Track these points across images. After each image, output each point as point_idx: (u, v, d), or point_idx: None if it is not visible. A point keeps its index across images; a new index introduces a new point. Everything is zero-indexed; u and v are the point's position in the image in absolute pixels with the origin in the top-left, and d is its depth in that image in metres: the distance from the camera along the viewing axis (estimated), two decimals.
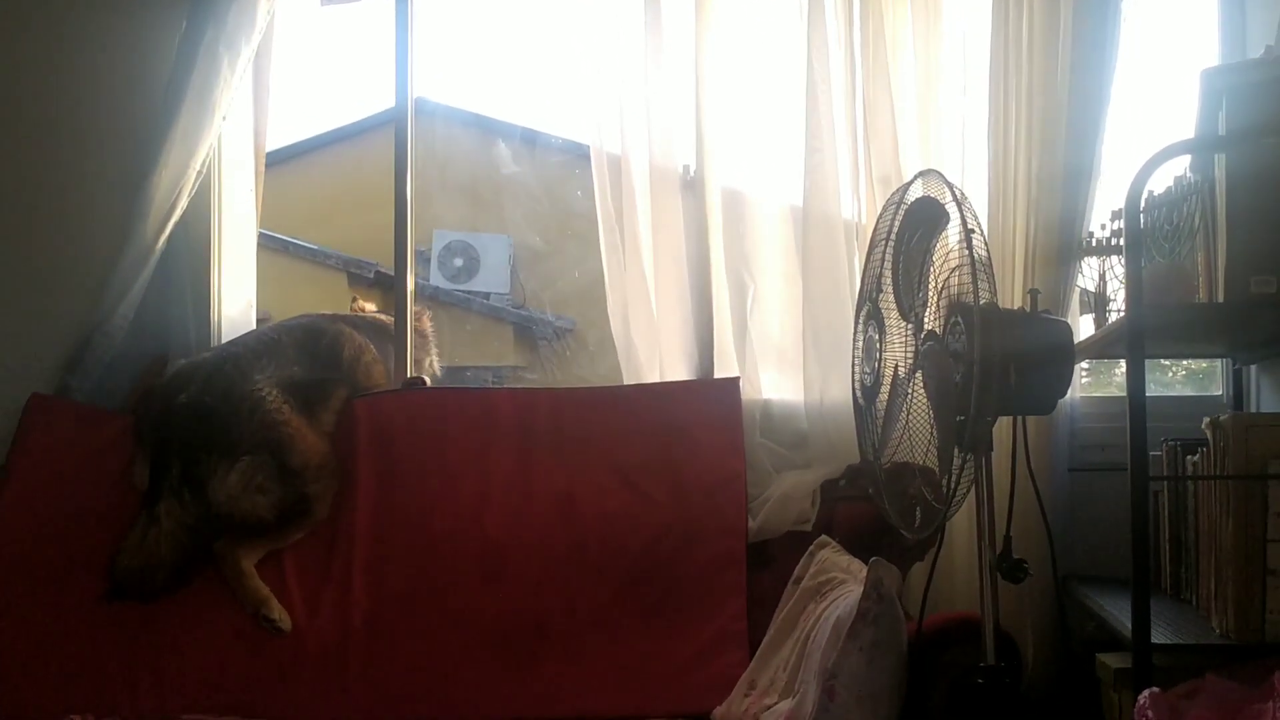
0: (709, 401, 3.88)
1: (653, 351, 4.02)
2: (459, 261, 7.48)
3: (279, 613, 3.61)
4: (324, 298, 7.06)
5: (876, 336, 2.86)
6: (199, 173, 4.03)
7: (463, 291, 7.46)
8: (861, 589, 2.93)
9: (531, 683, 3.59)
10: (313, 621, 3.68)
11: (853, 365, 3.04)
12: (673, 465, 3.80)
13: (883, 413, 2.89)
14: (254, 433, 3.71)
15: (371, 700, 3.58)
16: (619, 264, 4.03)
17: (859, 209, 3.85)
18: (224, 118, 4.06)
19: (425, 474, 3.83)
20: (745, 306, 3.97)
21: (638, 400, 3.92)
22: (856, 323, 3.01)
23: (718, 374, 3.99)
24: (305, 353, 3.94)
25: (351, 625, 3.67)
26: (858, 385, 3.00)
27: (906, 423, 2.81)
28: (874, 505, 3.26)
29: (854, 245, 3.85)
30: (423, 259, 6.85)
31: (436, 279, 7.33)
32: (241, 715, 3.50)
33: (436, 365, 4.39)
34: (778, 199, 3.96)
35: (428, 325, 4.39)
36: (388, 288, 7.14)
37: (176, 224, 4.04)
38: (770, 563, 3.71)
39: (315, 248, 7.71)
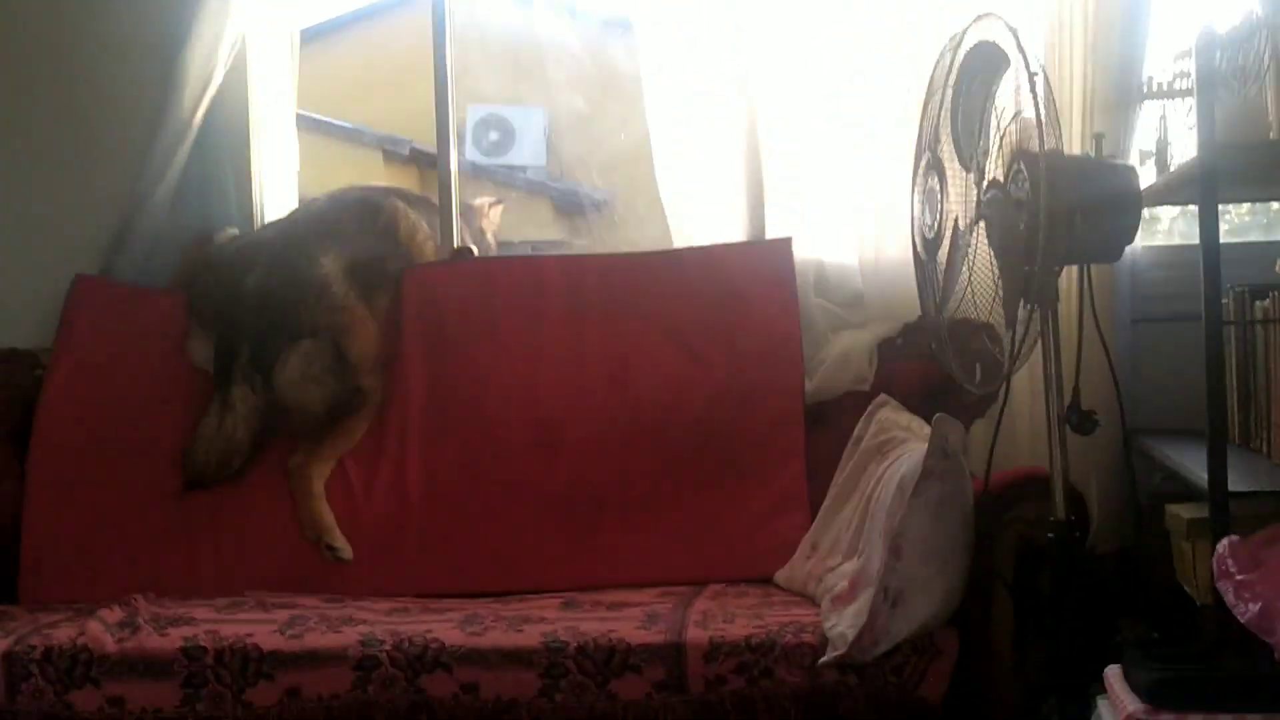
0: (762, 263, 3.81)
1: (702, 214, 3.94)
2: (494, 135, 7.43)
3: (341, 541, 3.59)
4: (359, 177, 6.79)
5: (938, 186, 2.78)
6: (233, 45, 3.95)
7: (499, 165, 7.41)
8: (926, 446, 2.89)
9: (590, 551, 3.59)
10: (369, 497, 3.67)
11: (911, 218, 2.96)
12: (727, 328, 3.74)
13: (944, 266, 2.82)
14: (318, 317, 3.67)
15: (430, 573, 3.58)
16: (666, 126, 3.94)
17: (916, 58, 3.73)
18: None
19: (476, 345, 3.78)
20: (796, 165, 3.86)
21: (689, 264, 3.84)
22: (915, 173, 2.92)
23: (769, 235, 3.90)
24: (364, 230, 3.87)
25: (408, 499, 3.66)
26: (918, 238, 2.92)
27: (970, 275, 2.74)
28: (933, 363, 3.22)
29: (909, 97, 3.74)
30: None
31: (472, 154, 7.25)
32: (300, 590, 3.50)
33: (492, 242, 4.33)
34: (827, 52, 3.83)
35: (496, 218, 4.33)
36: (423, 164, 7.12)
37: (213, 98, 3.95)
38: (828, 423, 3.66)
39: (349, 126, 7.62)
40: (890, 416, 3.44)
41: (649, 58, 3.96)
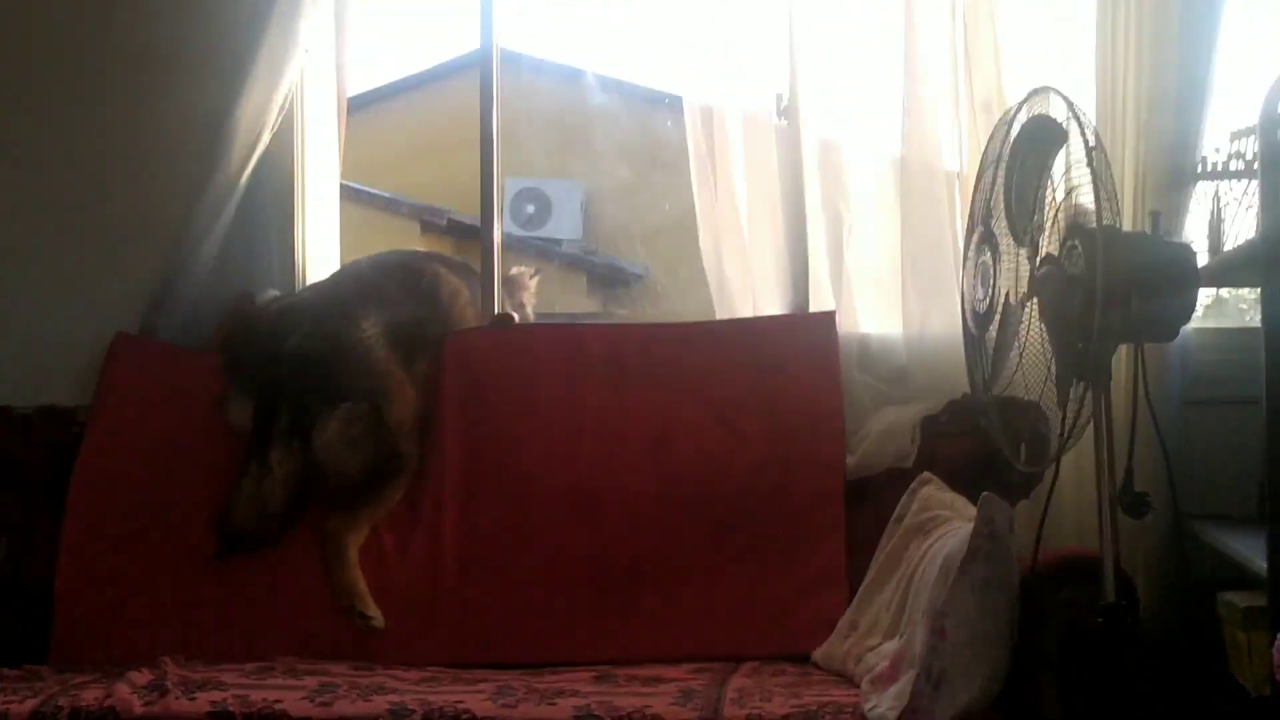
0: (804, 336, 3.77)
1: (746, 285, 3.90)
2: (531, 208, 7.44)
3: (374, 609, 3.53)
4: (396, 246, 6.95)
5: (990, 260, 2.74)
6: (282, 107, 3.93)
7: (536, 238, 7.41)
8: (971, 526, 2.83)
9: (626, 625, 3.53)
10: (403, 563, 3.62)
11: (961, 293, 2.92)
12: (768, 402, 3.69)
13: (994, 342, 2.77)
14: (359, 381, 3.64)
15: (462, 642, 3.53)
16: (710, 197, 3.91)
17: (960, 137, 3.71)
18: (306, 50, 3.96)
19: (515, 412, 3.73)
20: (841, 238, 3.84)
21: (731, 335, 3.81)
22: (967, 248, 2.89)
23: (813, 308, 3.86)
24: (405, 293, 3.84)
25: (442, 566, 3.61)
26: (969, 312, 2.88)
27: (1021, 352, 2.69)
28: (977, 440, 3.18)
29: (954, 178, 3.72)
30: None
31: (509, 226, 7.13)
32: (331, 658, 3.45)
33: (531, 315, 4.30)
34: (876, 128, 3.82)
35: (535, 288, 4.30)
36: (460, 235, 7.11)
37: (260, 160, 3.94)
38: (869, 501, 3.60)
39: (388, 195, 7.63)
40: (933, 494, 3.38)
41: (695, 130, 3.93)
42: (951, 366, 3.58)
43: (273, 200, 4.02)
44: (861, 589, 3.39)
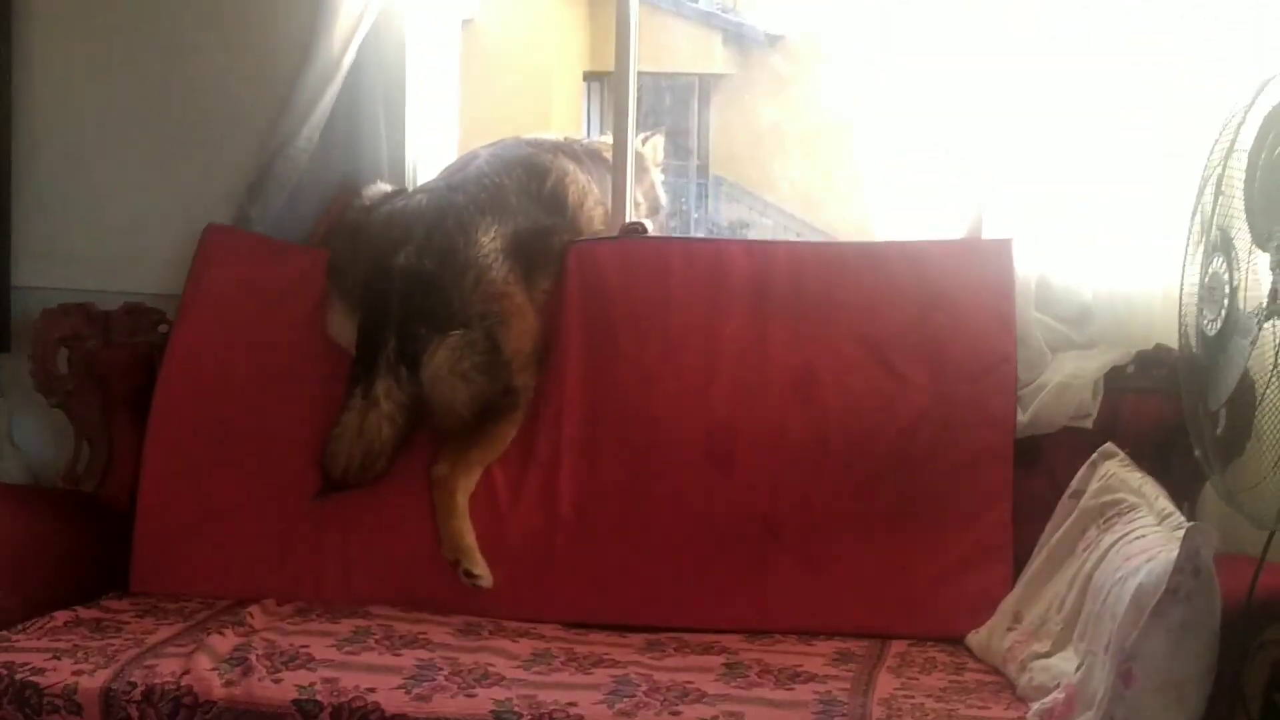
0: (976, 266, 3.33)
1: (908, 199, 3.47)
2: None
3: (482, 567, 3.20)
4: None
5: (1224, 272, 2.26)
6: None
7: None
8: (1169, 552, 2.42)
9: (759, 590, 3.20)
10: (515, 510, 3.29)
11: (1180, 305, 2.45)
12: (931, 340, 3.27)
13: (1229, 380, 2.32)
14: (474, 305, 3.27)
15: (577, 601, 3.23)
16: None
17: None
18: None
19: (644, 341, 3.35)
20: (1024, 153, 3.36)
21: (892, 260, 3.37)
22: (1187, 255, 2.41)
23: (986, 233, 3.41)
24: (528, 197, 3.45)
25: (558, 515, 3.27)
26: (1191, 334, 2.42)
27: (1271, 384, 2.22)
28: (1169, 401, 2.84)
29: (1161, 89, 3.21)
30: None
31: None
32: (432, 610, 3.19)
33: (661, 194, 3.88)
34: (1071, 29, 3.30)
35: (658, 156, 3.88)
36: None
37: (366, 36, 3.55)
38: (1041, 463, 3.22)
39: None
40: (1117, 472, 2.96)
41: None
42: (1143, 310, 3.24)
43: (380, 79, 3.65)
44: (1029, 573, 3.02)
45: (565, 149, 3.64)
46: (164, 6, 3.72)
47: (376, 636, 3.00)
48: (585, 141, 3.81)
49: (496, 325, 3.28)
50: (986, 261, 3.32)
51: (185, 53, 3.71)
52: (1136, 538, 2.68)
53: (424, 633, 3.03)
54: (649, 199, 3.83)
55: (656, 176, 3.89)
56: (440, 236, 3.30)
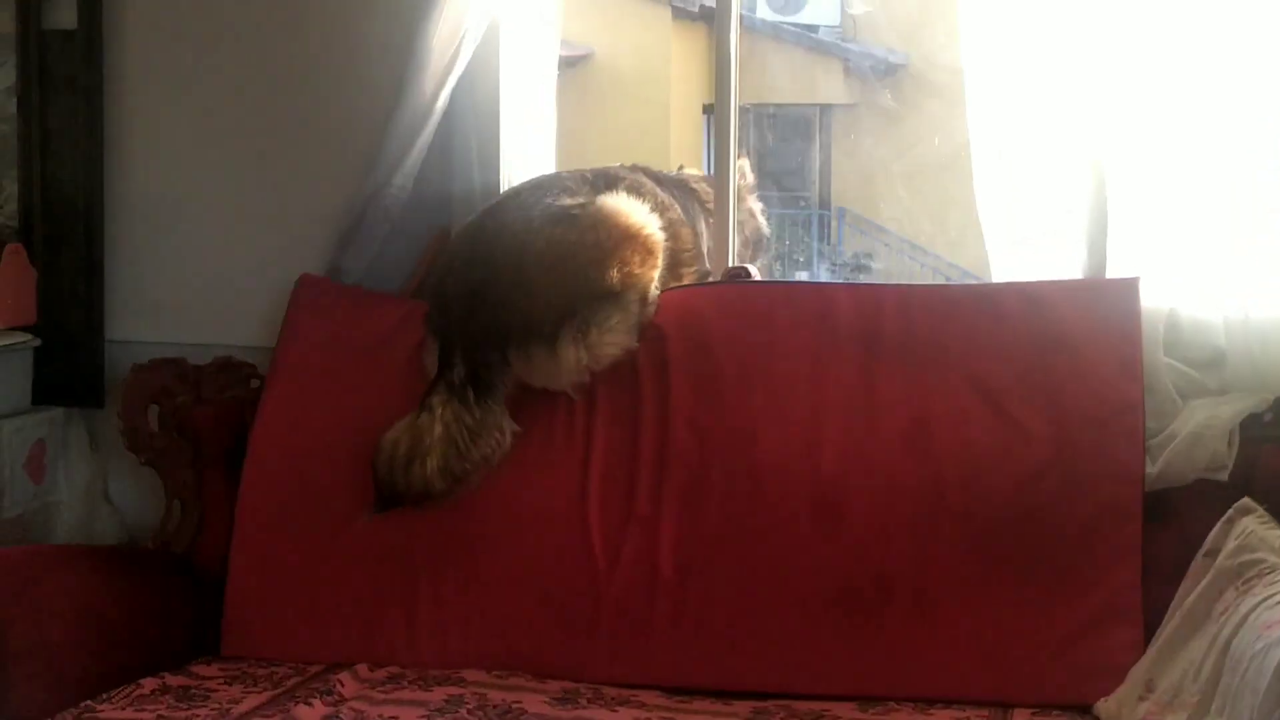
0: (1100, 307, 3.13)
1: (1027, 239, 3.31)
2: None
3: None
4: (646, 32, 6.89)
5: None
6: (481, 20, 3.43)
7: (790, 25, 6.99)
8: None
9: (872, 652, 3.02)
10: (614, 565, 3.13)
11: None
12: (1051, 388, 3.08)
13: None
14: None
15: (681, 660, 3.06)
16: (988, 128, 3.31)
17: None
18: None
19: (749, 389, 3.18)
20: (1150, 187, 3.18)
21: (1008, 303, 3.19)
22: None
23: (1110, 272, 3.23)
24: (591, 189, 3.34)
25: (659, 571, 3.11)
26: None
27: None
28: None
29: None
30: None
31: (763, 11, 6.84)
32: (530, 673, 3.05)
33: (761, 222, 3.74)
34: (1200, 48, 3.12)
35: (747, 179, 3.72)
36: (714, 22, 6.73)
37: (460, 80, 3.46)
38: (1171, 518, 3.02)
39: None
40: (1255, 530, 2.77)
41: None
42: None
43: (474, 124, 3.55)
44: (1162, 638, 2.82)
45: (646, 170, 3.54)
46: (254, 57, 3.66)
47: (469, 706, 2.86)
48: (675, 174, 3.71)
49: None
50: (1110, 302, 3.13)
51: (276, 102, 3.66)
52: (1278, 603, 2.51)
53: (519, 701, 2.89)
54: (748, 227, 3.70)
55: (754, 204, 3.75)
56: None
